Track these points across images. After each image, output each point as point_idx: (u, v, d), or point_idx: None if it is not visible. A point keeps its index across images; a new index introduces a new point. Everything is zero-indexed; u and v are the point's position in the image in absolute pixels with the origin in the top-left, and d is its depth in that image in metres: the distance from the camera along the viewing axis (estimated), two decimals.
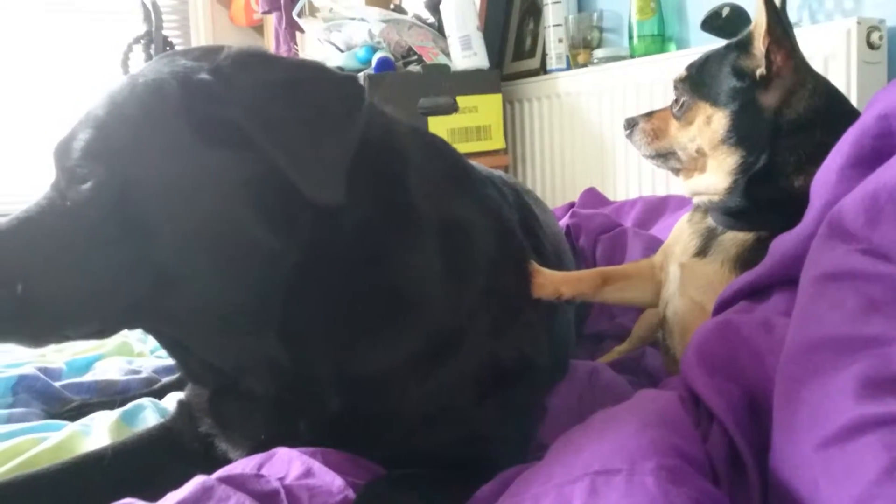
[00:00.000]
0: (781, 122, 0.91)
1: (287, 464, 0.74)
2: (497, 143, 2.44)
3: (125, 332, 1.72)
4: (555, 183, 2.45)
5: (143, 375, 1.33)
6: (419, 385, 0.78)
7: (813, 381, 0.58)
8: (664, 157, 1.03)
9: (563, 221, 1.61)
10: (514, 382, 0.86)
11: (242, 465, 0.75)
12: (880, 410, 0.51)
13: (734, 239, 0.94)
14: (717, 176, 0.95)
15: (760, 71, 0.91)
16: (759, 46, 0.91)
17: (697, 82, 0.98)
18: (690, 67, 1.01)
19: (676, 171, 1.03)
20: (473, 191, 0.91)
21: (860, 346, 0.56)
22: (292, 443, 0.76)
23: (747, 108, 0.92)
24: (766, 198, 0.92)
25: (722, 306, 0.83)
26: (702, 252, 0.97)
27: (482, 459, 0.79)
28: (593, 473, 0.57)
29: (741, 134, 0.92)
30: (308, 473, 0.73)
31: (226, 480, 0.71)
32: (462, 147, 2.36)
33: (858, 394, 0.53)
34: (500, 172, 1.17)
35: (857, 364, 0.55)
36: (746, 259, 0.91)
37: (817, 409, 0.56)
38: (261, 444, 0.78)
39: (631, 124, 1.06)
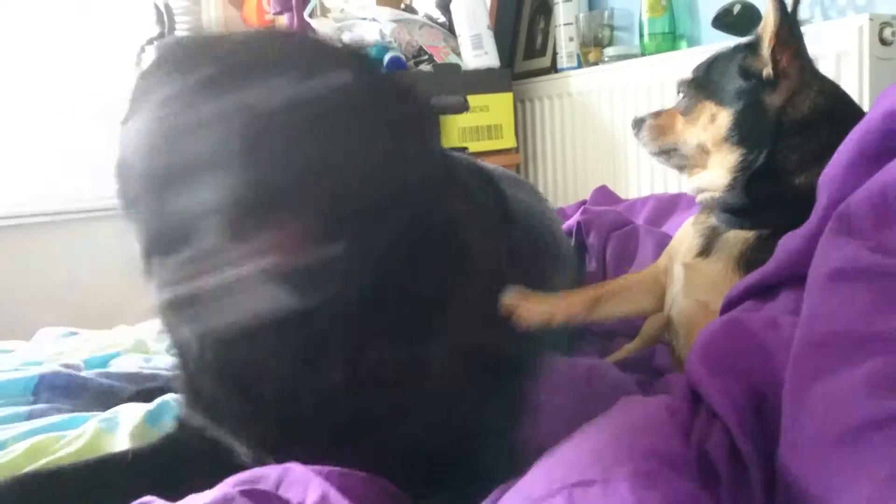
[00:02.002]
0: (785, 122, 0.92)
1: (303, 487, 0.73)
2: (508, 141, 2.44)
3: (141, 330, 1.75)
4: (566, 181, 2.45)
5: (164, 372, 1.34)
6: (419, 384, 0.79)
7: (824, 378, 0.58)
8: (668, 153, 1.04)
9: (575, 218, 1.61)
10: (502, 380, 0.86)
11: (262, 481, 0.75)
12: (893, 408, 0.51)
13: (737, 238, 0.95)
14: (718, 172, 0.96)
15: (767, 71, 0.91)
16: (766, 47, 0.91)
17: (703, 82, 1.00)
18: (697, 69, 1.02)
19: (681, 169, 1.04)
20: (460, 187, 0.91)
21: (872, 343, 0.56)
22: (300, 446, 0.77)
23: (752, 108, 0.93)
24: (766, 195, 0.93)
25: (729, 306, 0.84)
26: (705, 252, 0.98)
27: (479, 462, 0.79)
28: (570, 486, 0.56)
29: (744, 132, 0.93)
30: (324, 500, 0.72)
31: (247, 494, 0.71)
32: (473, 146, 2.37)
33: (871, 391, 0.53)
34: (495, 166, 1.17)
35: (870, 361, 0.55)
36: (749, 258, 0.92)
37: (829, 406, 0.56)
38: (267, 448, 0.79)
39: (639, 123, 1.08)
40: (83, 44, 3.46)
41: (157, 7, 3.28)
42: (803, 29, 1.67)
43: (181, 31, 3.46)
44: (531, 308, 0.98)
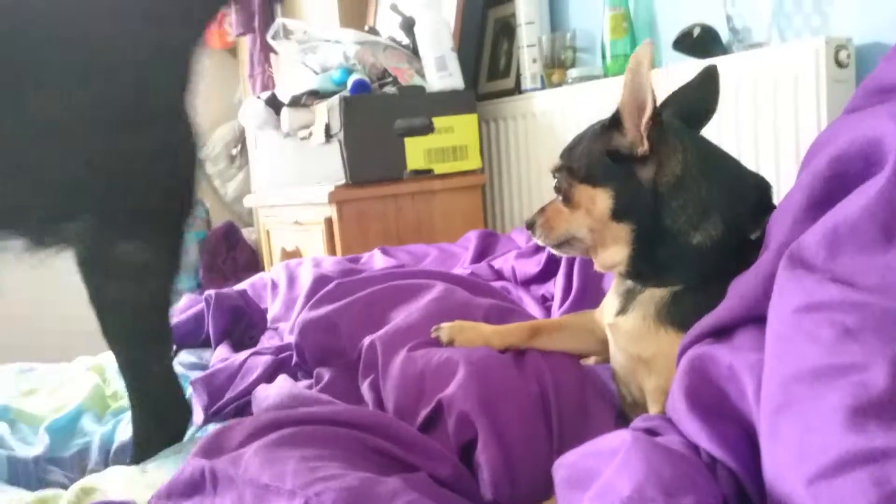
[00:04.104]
0: (661, 188, 0.94)
1: None
2: (474, 162, 2.45)
3: (101, 359, 1.72)
4: (532, 201, 2.46)
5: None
6: None
7: (796, 415, 0.58)
8: (567, 243, 1.06)
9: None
10: None
11: None
12: (867, 445, 0.51)
13: (652, 296, 0.98)
14: (616, 248, 0.99)
15: (643, 150, 0.94)
16: (635, 126, 0.94)
17: (573, 167, 1.01)
18: (563, 155, 1.04)
19: (585, 253, 1.06)
20: None
21: (839, 375, 0.57)
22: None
23: (627, 183, 0.96)
24: (667, 258, 0.96)
25: (685, 351, 0.84)
26: (623, 311, 1.02)
27: None
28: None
29: (626, 207, 0.96)
30: None
31: None
32: (439, 167, 2.37)
33: (843, 426, 0.54)
34: None
35: (838, 393, 0.56)
36: (665, 313, 0.96)
37: (802, 443, 0.56)
38: None
39: (531, 224, 1.09)
40: None
41: None
42: (760, 51, 1.71)
43: None
44: (469, 338, 1.14)
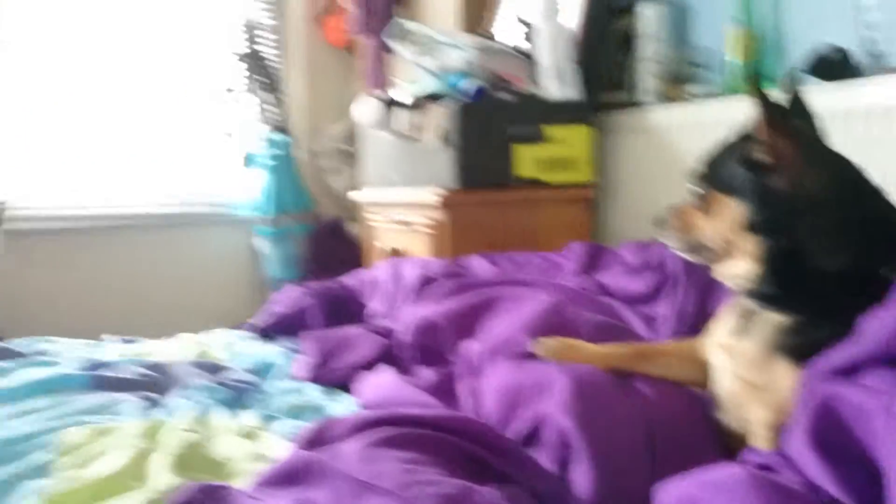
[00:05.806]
0: (797, 205, 0.92)
1: None
2: (584, 174, 2.42)
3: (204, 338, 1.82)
4: (641, 217, 2.41)
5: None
6: None
7: None
8: (696, 249, 1.06)
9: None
10: None
11: None
12: None
13: (772, 321, 0.96)
14: (744, 262, 0.97)
15: (766, 159, 0.93)
16: (762, 137, 0.94)
17: (712, 175, 1.02)
18: (703, 162, 1.05)
19: (712, 262, 1.05)
20: None
21: None
22: None
23: (761, 195, 0.94)
24: (796, 282, 0.93)
25: (810, 383, 0.81)
26: (741, 332, 1.00)
27: None
28: None
29: (760, 220, 0.95)
30: None
31: None
32: (547, 178, 2.35)
33: None
34: None
35: None
36: (784, 342, 0.93)
37: None
38: None
39: (661, 222, 1.11)
40: (173, 62, 3.55)
41: (246, 26, 3.37)
42: (855, 81, 1.64)
43: (266, 48, 3.55)
44: (570, 357, 1.14)
